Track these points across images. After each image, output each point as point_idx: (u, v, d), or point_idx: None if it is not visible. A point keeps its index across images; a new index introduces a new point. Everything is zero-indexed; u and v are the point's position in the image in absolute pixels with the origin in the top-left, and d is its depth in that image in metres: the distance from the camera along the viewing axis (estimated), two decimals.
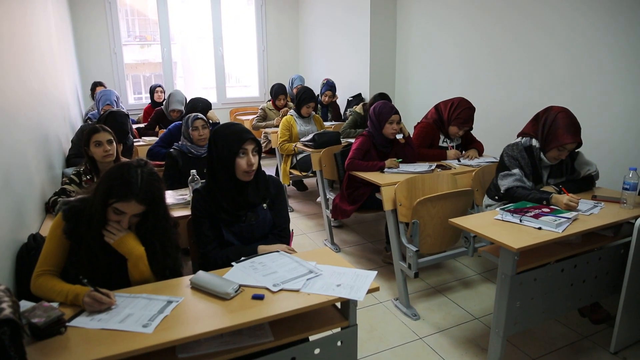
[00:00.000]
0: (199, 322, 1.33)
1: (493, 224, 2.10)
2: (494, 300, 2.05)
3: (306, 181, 5.28)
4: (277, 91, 5.17)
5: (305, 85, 5.20)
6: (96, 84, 5.51)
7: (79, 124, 4.65)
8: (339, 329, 1.60)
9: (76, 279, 1.47)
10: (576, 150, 2.54)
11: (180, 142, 3.00)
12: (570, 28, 3.38)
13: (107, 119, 3.09)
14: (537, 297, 2.09)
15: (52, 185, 2.70)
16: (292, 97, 5.47)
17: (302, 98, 4.26)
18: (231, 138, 1.81)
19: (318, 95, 5.48)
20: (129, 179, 1.50)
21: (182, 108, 4.55)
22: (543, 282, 2.09)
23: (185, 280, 1.57)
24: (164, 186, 1.63)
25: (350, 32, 5.72)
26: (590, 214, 2.18)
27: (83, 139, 2.45)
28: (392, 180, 2.76)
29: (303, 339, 1.56)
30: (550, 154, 2.42)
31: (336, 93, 5.48)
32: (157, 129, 4.73)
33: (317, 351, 1.54)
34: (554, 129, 2.38)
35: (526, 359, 2.26)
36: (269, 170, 2.18)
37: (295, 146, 4.13)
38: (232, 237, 1.87)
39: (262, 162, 1.96)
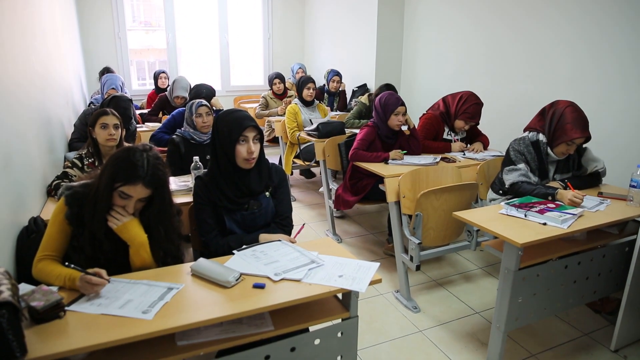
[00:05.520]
0: (199, 310, 1.32)
1: (497, 218, 2.08)
2: (496, 295, 2.04)
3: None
4: (270, 77, 5.31)
5: (309, 74, 5.20)
6: (106, 70, 5.47)
7: (82, 108, 4.62)
8: (339, 320, 1.59)
9: (78, 264, 1.46)
10: (584, 146, 2.52)
11: (182, 129, 2.98)
12: (575, 24, 3.33)
13: (109, 104, 3.07)
14: (539, 293, 2.08)
15: (54, 168, 2.68)
16: (293, 83, 5.48)
17: (301, 82, 4.41)
18: (232, 125, 1.79)
19: (324, 84, 5.45)
20: (136, 162, 1.50)
21: (186, 94, 4.53)
22: (546, 278, 2.07)
23: (186, 267, 1.56)
24: (168, 171, 1.62)
25: (356, 22, 5.66)
26: (596, 211, 2.16)
27: (90, 120, 2.46)
28: (396, 171, 2.74)
29: (303, 329, 1.56)
30: (559, 149, 2.39)
31: (342, 81, 5.45)
32: (160, 114, 4.72)
33: (317, 341, 1.53)
34: (562, 124, 2.35)
35: (526, 355, 2.25)
36: (272, 159, 2.16)
37: (299, 135, 4.11)
38: (234, 225, 1.86)
39: (265, 151, 1.94)
